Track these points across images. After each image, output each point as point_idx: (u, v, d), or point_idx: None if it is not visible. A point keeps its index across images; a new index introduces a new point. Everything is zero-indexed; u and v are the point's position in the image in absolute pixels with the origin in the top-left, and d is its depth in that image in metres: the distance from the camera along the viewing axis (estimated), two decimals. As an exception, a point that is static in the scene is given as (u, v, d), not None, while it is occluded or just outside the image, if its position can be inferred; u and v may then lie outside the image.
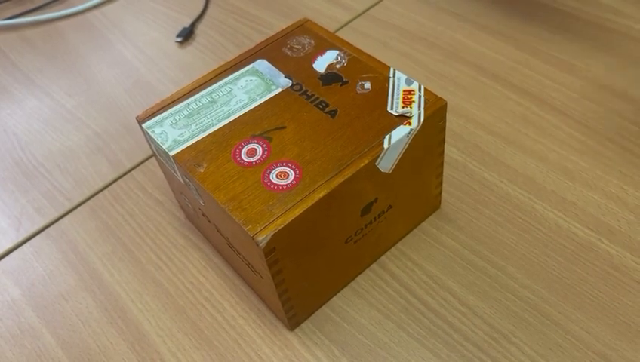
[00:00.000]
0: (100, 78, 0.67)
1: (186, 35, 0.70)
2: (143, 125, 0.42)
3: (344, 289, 0.46)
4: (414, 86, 0.42)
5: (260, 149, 0.40)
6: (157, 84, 0.65)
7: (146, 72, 0.67)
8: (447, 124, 0.56)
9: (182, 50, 0.69)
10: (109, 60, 0.69)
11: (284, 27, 0.49)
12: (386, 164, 0.40)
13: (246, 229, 0.36)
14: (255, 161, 0.39)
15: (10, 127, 0.63)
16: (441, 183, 0.47)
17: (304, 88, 0.43)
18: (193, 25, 0.72)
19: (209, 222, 0.44)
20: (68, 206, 0.55)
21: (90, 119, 0.62)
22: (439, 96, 0.42)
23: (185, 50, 0.69)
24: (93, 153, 0.59)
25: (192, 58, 0.68)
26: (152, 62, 0.68)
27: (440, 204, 0.50)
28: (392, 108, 0.41)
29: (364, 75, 0.43)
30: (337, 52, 0.45)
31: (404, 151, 0.40)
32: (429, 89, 0.59)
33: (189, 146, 0.41)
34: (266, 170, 0.38)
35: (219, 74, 0.45)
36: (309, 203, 0.36)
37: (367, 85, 0.43)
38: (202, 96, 0.44)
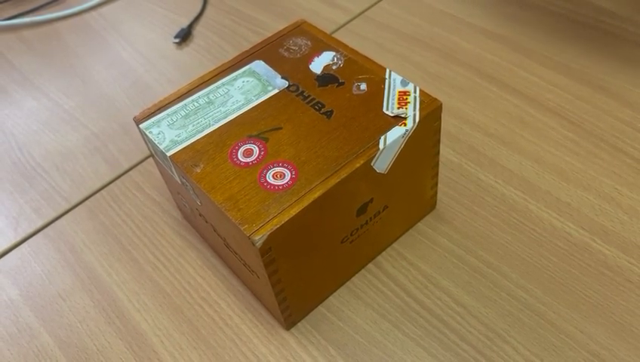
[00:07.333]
0: (97, 78, 0.67)
1: (184, 36, 0.70)
2: (141, 126, 0.43)
3: (340, 289, 0.46)
4: (410, 87, 0.42)
5: (256, 150, 0.40)
6: (155, 85, 0.65)
7: (144, 72, 0.67)
8: (443, 125, 0.56)
9: (179, 51, 0.69)
10: (106, 61, 0.69)
11: (281, 28, 0.49)
12: (382, 164, 0.40)
13: (242, 229, 0.36)
14: (251, 162, 0.39)
15: (8, 128, 0.63)
16: (436, 184, 0.48)
17: (300, 89, 0.43)
18: (191, 26, 0.72)
19: (206, 222, 0.44)
20: (66, 206, 0.55)
21: (87, 120, 0.63)
22: (435, 97, 0.42)
23: (182, 51, 0.69)
24: (90, 153, 0.59)
25: (190, 59, 0.68)
26: (149, 63, 0.68)
27: (435, 204, 0.50)
28: (387, 109, 0.41)
29: (360, 76, 0.44)
30: (333, 53, 0.46)
31: (400, 152, 0.40)
32: (426, 90, 0.60)
33: (186, 147, 0.41)
34: (263, 170, 0.39)
35: (216, 75, 0.45)
36: (305, 203, 0.37)
37: (363, 86, 0.43)
38: (199, 97, 0.44)
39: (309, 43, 0.47)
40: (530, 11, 0.67)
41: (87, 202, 0.55)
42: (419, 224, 0.49)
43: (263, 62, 0.46)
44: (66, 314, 0.47)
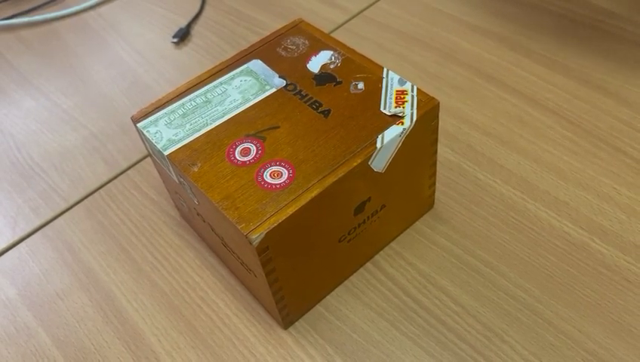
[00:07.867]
0: (96, 78, 0.67)
1: (182, 36, 0.70)
2: (138, 125, 0.43)
3: (338, 288, 0.46)
4: (407, 86, 0.42)
5: (253, 149, 0.40)
6: (153, 85, 0.65)
7: (143, 72, 0.67)
8: (442, 124, 0.56)
9: (178, 51, 0.69)
10: (105, 61, 0.69)
11: (279, 28, 0.49)
12: (379, 163, 0.40)
13: (239, 228, 0.36)
14: (249, 161, 0.39)
15: (7, 128, 0.63)
16: (434, 183, 0.48)
17: (298, 88, 0.43)
18: (189, 25, 0.72)
19: (204, 221, 0.44)
20: (64, 206, 0.55)
21: (86, 119, 0.63)
22: (432, 96, 0.42)
23: (181, 50, 0.69)
24: (89, 153, 0.59)
25: (188, 58, 0.68)
26: (148, 62, 0.68)
27: (434, 203, 0.50)
28: (384, 108, 0.41)
29: (358, 76, 0.44)
30: (331, 52, 0.46)
31: (397, 151, 0.40)
32: (424, 90, 0.60)
33: (184, 146, 0.41)
34: (260, 169, 0.39)
35: (214, 74, 0.45)
36: (302, 202, 0.37)
37: (361, 85, 0.43)
38: (197, 96, 0.44)
39: (306, 42, 0.47)
40: (529, 11, 0.67)
41: (85, 202, 0.55)
42: (417, 223, 0.49)
43: (260, 62, 0.46)
44: (63, 313, 0.47)
